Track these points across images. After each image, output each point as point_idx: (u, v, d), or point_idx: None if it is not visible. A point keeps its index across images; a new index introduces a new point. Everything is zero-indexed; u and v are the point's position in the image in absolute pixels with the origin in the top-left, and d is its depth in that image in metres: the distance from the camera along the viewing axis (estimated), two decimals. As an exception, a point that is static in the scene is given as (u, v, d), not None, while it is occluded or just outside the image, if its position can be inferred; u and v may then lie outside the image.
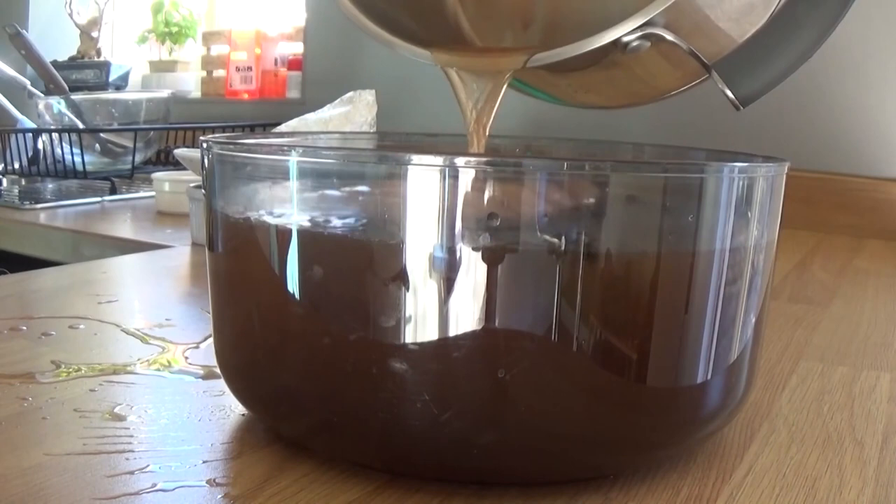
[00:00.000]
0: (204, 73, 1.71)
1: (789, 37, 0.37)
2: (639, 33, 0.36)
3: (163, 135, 1.44)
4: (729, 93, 0.36)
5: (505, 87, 0.41)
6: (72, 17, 1.71)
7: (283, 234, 0.30)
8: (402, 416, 0.29)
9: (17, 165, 1.27)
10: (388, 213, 0.28)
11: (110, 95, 1.43)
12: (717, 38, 0.39)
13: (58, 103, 1.35)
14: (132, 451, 0.32)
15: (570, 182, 0.28)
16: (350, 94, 1.00)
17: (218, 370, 0.37)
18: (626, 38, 0.36)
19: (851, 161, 1.04)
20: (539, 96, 0.49)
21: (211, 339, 0.39)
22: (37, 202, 1.09)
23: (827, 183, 1.03)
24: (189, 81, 1.77)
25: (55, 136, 1.27)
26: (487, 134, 0.42)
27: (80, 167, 1.24)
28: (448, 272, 0.28)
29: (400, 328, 0.28)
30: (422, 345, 0.28)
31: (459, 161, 0.27)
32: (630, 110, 0.53)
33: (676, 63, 0.41)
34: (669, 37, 0.36)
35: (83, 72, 1.60)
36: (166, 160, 1.44)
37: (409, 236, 0.28)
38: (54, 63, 1.51)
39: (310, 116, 0.98)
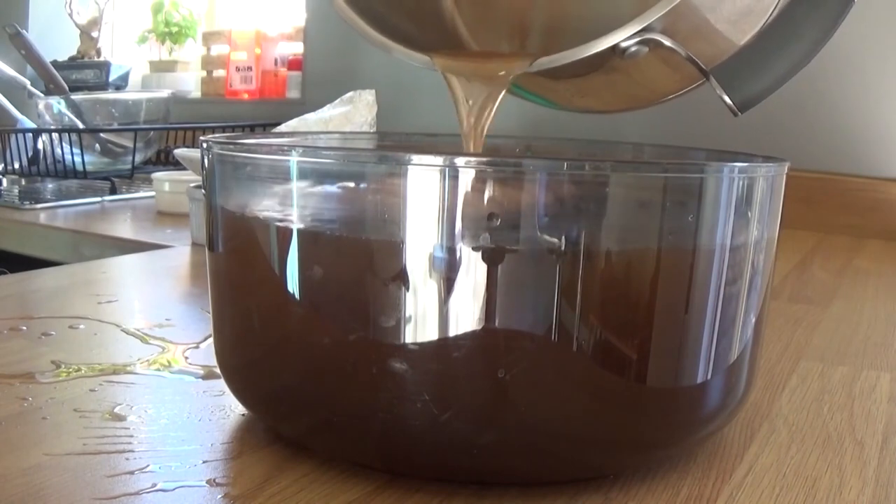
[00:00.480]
0: (204, 73, 1.71)
1: (787, 42, 0.37)
2: (637, 39, 0.36)
3: (163, 135, 1.44)
4: (727, 98, 0.36)
5: (504, 92, 0.41)
6: (72, 17, 1.71)
7: (284, 234, 0.30)
8: (402, 416, 0.29)
9: (17, 165, 1.27)
10: (388, 213, 0.28)
11: (110, 95, 1.43)
12: (716, 40, 0.39)
13: (58, 103, 1.35)
14: (132, 451, 0.32)
15: (570, 182, 0.28)
16: (350, 94, 1.00)
17: (218, 370, 0.37)
18: (624, 44, 0.36)
19: (851, 161, 1.04)
20: (536, 101, 0.49)
21: (211, 339, 0.39)
22: (37, 202, 1.09)
23: (827, 183, 1.03)
24: (189, 81, 1.77)
25: (55, 136, 1.27)
26: (484, 137, 0.42)
27: (80, 167, 1.24)
28: (448, 272, 0.28)
29: (400, 328, 0.28)
30: (422, 345, 0.28)
31: (459, 161, 0.27)
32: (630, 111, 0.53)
33: (675, 67, 0.41)
34: (667, 42, 0.36)
35: (83, 72, 1.60)
36: (166, 160, 1.44)
37: (409, 236, 0.28)
38: (54, 63, 1.51)
39: (310, 116, 0.98)
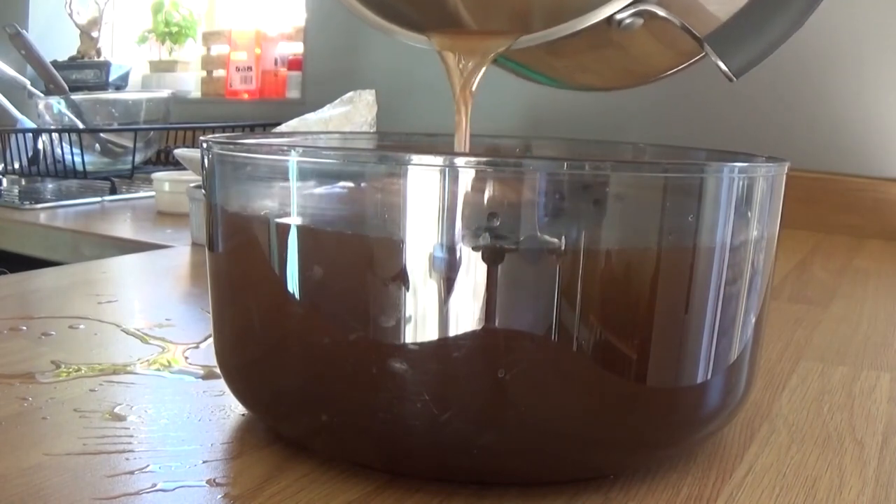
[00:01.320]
0: (204, 73, 1.71)
1: (780, 6, 0.37)
2: (631, 10, 0.36)
3: (163, 135, 1.44)
4: (722, 65, 0.36)
5: (487, 63, 0.42)
6: (72, 17, 1.71)
7: (283, 235, 0.30)
8: (402, 416, 0.29)
9: (17, 165, 1.27)
10: (388, 212, 0.28)
11: (110, 95, 1.43)
12: (707, 20, 0.39)
13: (58, 103, 1.35)
14: (132, 451, 0.32)
15: (570, 182, 0.28)
16: (350, 94, 1.00)
17: (218, 370, 0.37)
18: (618, 16, 0.36)
19: (852, 161, 1.04)
20: (538, 78, 0.49)
21: (211, 339, 0.39)
22: (37, 202, 1.09)
23: (827, 183, 1.03)
24: (189, 81, 1.77)
25: (55, 136, 1.27)
26: (471, 97, 0.43)
27: (80, 167, 1.24)
28: (448, 272, 0.27)
29: (400, 328, 0.28)
30: (422, 345, 0.28)
31: (459, 161, 0.27)
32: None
33: (669, 43, 0.41)
34: (661, 13, 0.36)
35: (83, 72, 1.60)
36: (166, 160, 1.44)
37: (409, 236, 0.28)
38: (54, 63, 1.51)
39: (310, 116, 0.99)
